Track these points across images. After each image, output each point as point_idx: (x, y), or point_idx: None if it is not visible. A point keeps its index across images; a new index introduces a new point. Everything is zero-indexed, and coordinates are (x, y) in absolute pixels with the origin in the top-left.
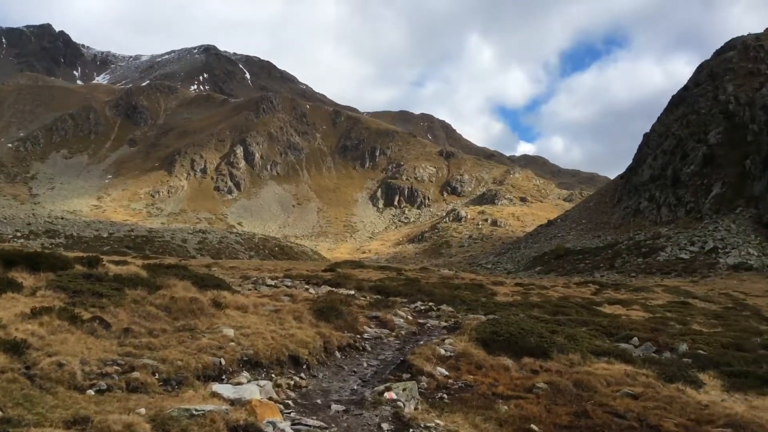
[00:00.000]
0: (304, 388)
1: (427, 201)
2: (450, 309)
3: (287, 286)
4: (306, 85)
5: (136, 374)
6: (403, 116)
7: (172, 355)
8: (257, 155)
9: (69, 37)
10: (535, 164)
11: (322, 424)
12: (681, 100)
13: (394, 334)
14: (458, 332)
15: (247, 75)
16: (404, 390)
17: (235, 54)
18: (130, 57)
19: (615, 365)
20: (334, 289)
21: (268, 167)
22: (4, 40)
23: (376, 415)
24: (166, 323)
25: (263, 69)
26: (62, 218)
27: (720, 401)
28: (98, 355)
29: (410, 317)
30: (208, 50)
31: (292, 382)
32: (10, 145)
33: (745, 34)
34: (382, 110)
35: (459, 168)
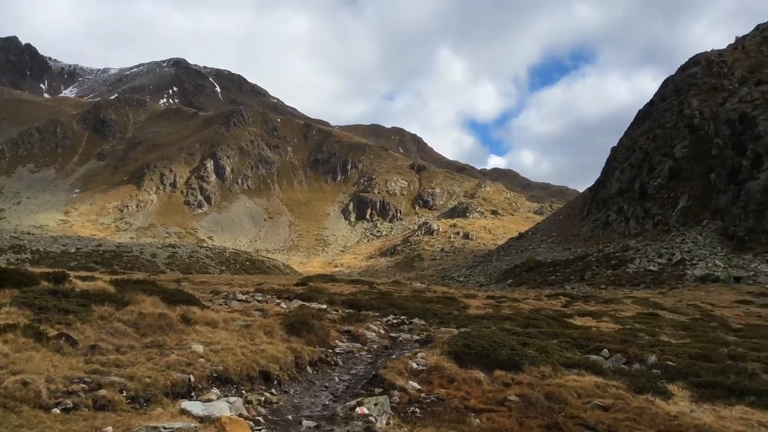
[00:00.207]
0: (275, 404)
1: (399, 214)
2: (422, 322)
3: (258, 301)
4: (277, 99)
5: (103, 392)
6: (375, 130)
7: (140, 372)
8: (228, 169)
9: (35, 50)
10: (506, 177)
11: None
12: (647, 114)
13: (366, 348)
14: (430, 346)
15: (218, 88)
16: (376, 405)
17: (205, 67)
18: (99, 70)
19: (585, 377)
20: (305, 303)
21: (239, 181)
22: None
23: (348, 431)
24: (134, 340)
25: (234, 82)
26: (28, 233)
27: (689, 412)
28: (64, 373)
29: (382, 331)
30: (178, 63)
31: (262, 398)
32: None
33: (709, 50)
34: (353, 124)
35: (430, 181)
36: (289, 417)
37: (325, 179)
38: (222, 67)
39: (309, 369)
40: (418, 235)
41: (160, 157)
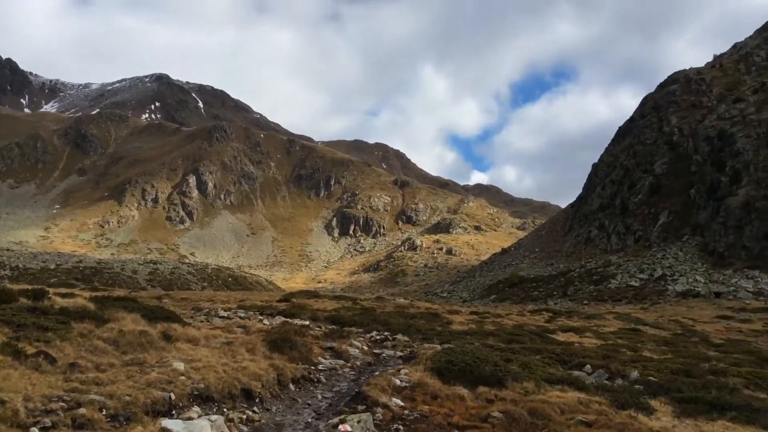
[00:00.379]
0: (257, 422)
1: (382, 230)
2: (405, 338)
3: (240, 318)
4: (260, 115)
5: (82, 410)
6: (358, 145)
7: (120, 390)
8: (210, 184)
9: (16, 65)
10: (489, 193)
11: None
12: (627, 131)
13: (349, 364)
14: (414, 362)
15: (200, 104)
16: (359, 422)
17: (188, 83)
18: (80, 85)
19: (568, 393)
20: (288, 319)
21: (222, 196)
22: None
23: None
24: (114, 357)
25: (216, 98)
26: (8, 249)
27: (671, 427)
28: (43, 391)
29: (366, 347)
30: (160, 79)
31: (244, 417)
32: None
33: (687, 68)
34: (336, 139)
35: (414, 197)
36: None
37: (308, 195)
38: (205, 83)
39: (292, 386)
40: (401, 251)
41: (141, 173)
